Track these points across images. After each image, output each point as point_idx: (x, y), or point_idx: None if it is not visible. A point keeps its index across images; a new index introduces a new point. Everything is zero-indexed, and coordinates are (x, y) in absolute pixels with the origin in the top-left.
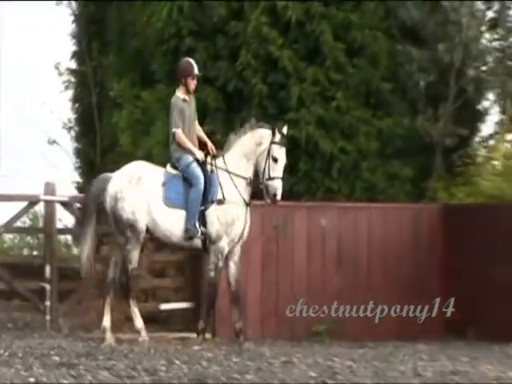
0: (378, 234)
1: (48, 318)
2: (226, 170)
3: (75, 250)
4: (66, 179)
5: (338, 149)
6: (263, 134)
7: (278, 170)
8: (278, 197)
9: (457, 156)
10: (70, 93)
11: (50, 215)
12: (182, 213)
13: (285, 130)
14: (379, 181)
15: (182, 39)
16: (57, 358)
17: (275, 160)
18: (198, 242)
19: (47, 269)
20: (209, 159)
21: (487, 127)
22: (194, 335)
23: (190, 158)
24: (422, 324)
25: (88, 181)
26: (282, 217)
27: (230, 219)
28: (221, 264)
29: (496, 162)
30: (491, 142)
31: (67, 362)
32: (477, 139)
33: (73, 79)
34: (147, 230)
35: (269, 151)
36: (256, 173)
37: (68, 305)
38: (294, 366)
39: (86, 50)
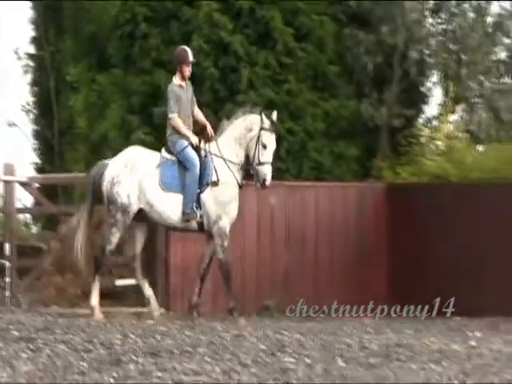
0: (324, 212)
1: (8, 293)
2: (219, 155)
3: (34, 229)
4: (25, 160)
5: (286, 130)
6: (254, 120)
7: (266, 155)
8: (268, 182)
9: (401, 136)
10: (29, 77)
11: (9, 195)
12: (179, 196)
13: (274, 116)
14: (326, 160)
15: (136, 25)
16: (16, 333)
17: (264, 146)
18: (194, 225)
19: (7, 247)
20: (202, 144)
21: (430, 108)
22: (147, 310)
23: (185, 143)
24: (368, 297)
25: (46, 161)
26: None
27: (227, 198)
28: (226, 243)
29: (439, 142)
30: (434, 123)
31: (26, 336)
32: (421, 120)
33: (31, 64)
34: (142, 213)
35: (258, 137)
36: (247, 157)
37: (27, 281)
38: (244, 339)
39: (44, 35)
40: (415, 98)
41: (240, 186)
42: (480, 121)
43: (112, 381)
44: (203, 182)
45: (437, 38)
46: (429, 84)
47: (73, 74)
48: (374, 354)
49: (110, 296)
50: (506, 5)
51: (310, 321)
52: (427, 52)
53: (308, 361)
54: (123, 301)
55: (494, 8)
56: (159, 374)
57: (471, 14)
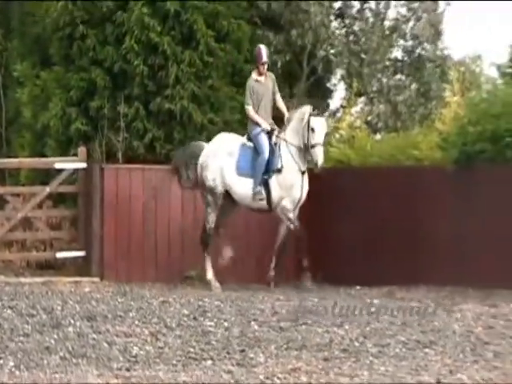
0: None
1: None
2: (285, 140)
3: None
4: None
5: (208, 120)
6: (304, 109)
7: (316, 137)
8: (319, 163)
9: None
10: None
11: None
12: (250, 180)
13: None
14: None
15: (75, 27)
16: None
17: (313, 129)
18: (264, 204)
19: None
20: (276, 132)
21: (335, 102)
22: (85, 279)
23: (258, 129)
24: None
25: None
26: (159, 179)
27: (289, 184)
28: (291, 216)
29: (342, 132)
30: (338, 114)
31: None
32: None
33: None
34: (227, 193)
35: (308, 123)
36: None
37: None
38: (170, 305)
39: None
40: (322, 93)
41: (303, 172)
42: (379, 113)
43: (53, 342)
44: (270, 168)
45: (341, 40)
46: (334, 80)
47: (19, 70)
48: (284, 318)
49: (51, 267)
50: (402, 10)
51: (228, 289)
52: (332, 52)
53: (226, 324)
54: (63, 271)
55: (392, 13)
56: (94, 336)
57: (371, 19)
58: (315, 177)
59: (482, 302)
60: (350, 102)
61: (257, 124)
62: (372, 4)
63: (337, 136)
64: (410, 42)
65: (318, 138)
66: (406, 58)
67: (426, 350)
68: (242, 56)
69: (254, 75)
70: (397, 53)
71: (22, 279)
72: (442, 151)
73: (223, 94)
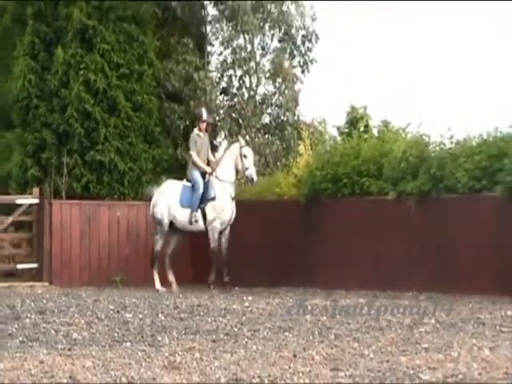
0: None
1: None
2: (216, 177)
3: None
4: None
5: (128, 168)
6: (235, 146)
7: (248, 162)
8: (255, 179)
9: None
10: None
11: None
12: (189, 210)
13: (242, 139)
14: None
15: (30, 99)
16: None
17: (245, 156)
18: (200, 226)
19: None
20: (209, 172)
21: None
22: (38, 283)
23: (196, 171)
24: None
25: None
26: (92, 210)
27: (221, 209)
28: (216, 236)
29: None
30: None
31: None
32: None
33: None
34: (170, 223)
35: (240, 152)
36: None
37: None
38: (100, 302)
39: None
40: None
41: (232, 199)
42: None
43: (14, 330)
44: (205, 198)
45: (225, 109)
46: (219, 139)
47: None
48: (183, 311)
49: (13, 275)
50: (270, 87)
51: (142, 290)
52: (218, 118)
53: (141, 316)
54: (22, 278)
55: (261, 89)
56: (45, 326)
57: (246, 94)
58: None
59: (326, 298)
60: None
61: (197, 166)
62: (247, 82)
63: None
64: (276, 111)
65: (250, 162)
66: (272, 123)
67: (286, 333)
68: (153, 121)
69: (197, 130)
70: (266, 119)
71: None
72: (296, 189)
73: (139, 149)
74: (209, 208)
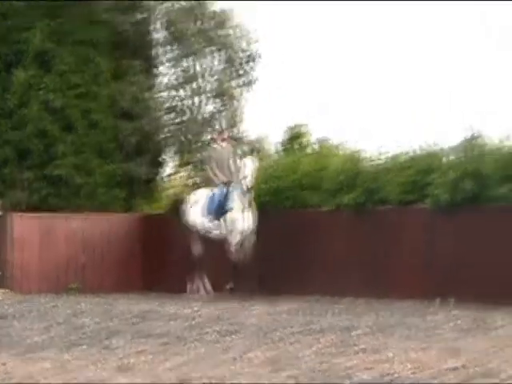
0: (104, 232)
1: None
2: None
3: None
4: None
5: (84, 182)
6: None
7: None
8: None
9: (153, 185)
10: None
11: None
12: (210, 217)
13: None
14: (109, 200)
15: None
16: None
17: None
18: (218, 235)
19: None
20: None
21: (169, 168)
22: (0, 290)
23: (218, 183)
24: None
25: None
26: (51, 222)
27: (234, 220)
28: (232, 248)
29: (173, 190)
30: (172, 177)
31: None
32: (164, 175)
33: None
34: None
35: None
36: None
37: None
38: (58, 308)
39: None
40: (160, 162)
41: (246, 210)
42: (201, 176)
43: None
44: (224, 208)
45: (173, 127)
46: (169, 154)
47: None
48: (135, 315)
49: None
50: (217, 104)
51: (97, 297)
52: (168, 135)
53: (97, 320)
54: None
55: (208, 108)
56: (6, 330)
57: (195, 112)
58: (153, 220)
59: (270, 304)
60: (180, 169)
61: (213, 179)
62: (196, 101)
63: (171, 192)
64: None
65: (248, 171)
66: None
67: (233, 336)
68: (107, 138)
69: (213, 145)
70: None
71: None
72: None
73: (95, 165)
74: (226, 218)
